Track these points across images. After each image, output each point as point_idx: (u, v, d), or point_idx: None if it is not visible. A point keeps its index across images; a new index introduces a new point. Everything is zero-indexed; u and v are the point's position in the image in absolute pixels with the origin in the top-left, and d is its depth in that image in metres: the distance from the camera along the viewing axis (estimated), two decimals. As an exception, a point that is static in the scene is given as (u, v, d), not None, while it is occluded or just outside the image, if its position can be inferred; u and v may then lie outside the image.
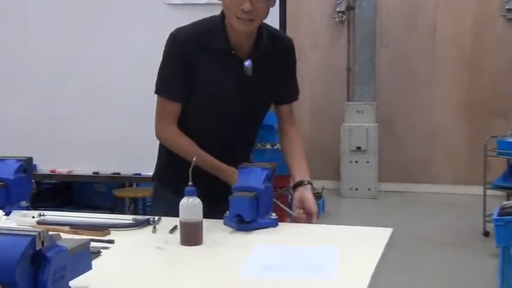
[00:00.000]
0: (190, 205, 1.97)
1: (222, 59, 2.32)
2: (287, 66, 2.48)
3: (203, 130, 2.38)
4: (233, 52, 2.32)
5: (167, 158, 2.48)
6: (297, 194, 2.35)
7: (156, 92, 2.38)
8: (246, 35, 2.31)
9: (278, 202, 2.38)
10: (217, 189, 2.27)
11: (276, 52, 2.40)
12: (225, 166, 2.34)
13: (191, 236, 1.97)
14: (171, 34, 2.34)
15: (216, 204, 2.17)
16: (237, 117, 2.38)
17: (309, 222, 2.29)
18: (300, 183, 2.36)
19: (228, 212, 2.15)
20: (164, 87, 2.36)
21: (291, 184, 2.40)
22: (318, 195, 6.73)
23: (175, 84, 2.34)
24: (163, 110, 2.37)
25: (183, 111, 2.37)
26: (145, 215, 2.65)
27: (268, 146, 6.24)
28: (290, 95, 2.53)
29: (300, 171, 2.43)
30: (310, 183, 2.37)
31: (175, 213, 2.01)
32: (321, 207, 6.68)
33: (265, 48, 2.36)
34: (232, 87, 2.34)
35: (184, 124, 2.37)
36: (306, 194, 2.34)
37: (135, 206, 5.64)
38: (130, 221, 2.19)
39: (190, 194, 1.97)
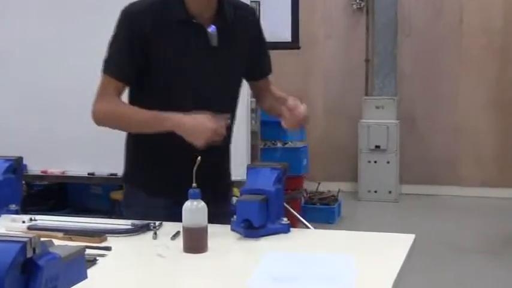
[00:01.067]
0: (195, 209, 1.97)
1: (183, 30, 2.33)
2: (254, 36, 2.52)
3: (174, 112, 2.32)
4: (194, 21, 2.33)
5: (136, 153, 2.48)
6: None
7: (102, 70, 2.38)
8: (205, 2, 2.34)
9: (289, 207, 2.38)
10: (213, 189, 2.27)
11: (240, 21, 2.44)
12: (171, 114, 2.27)
13: (195, 242, 1.97)
14: (123, 9, 2.36)
15: (212, 206, 2.18)
16: (208, 94, 2.38)
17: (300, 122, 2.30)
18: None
19: (235, 217, 2.15)
20: (111, 65, 2.37)
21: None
22: (333, 198, 6.73)
23: (122, 63, 2.35)
24: (106, 89, 2.36)
25: (150, 94, 2.36)
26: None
27: (279, 144, 6.25)
28: (264, 68, 2.59)
29: (281, 101, 2.43)
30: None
31: (152, 218, 2.02)
32: (337, 212, 6.68)
33: (228, 15, 2.38)
34: (199, 59, 2.35)
35: (153, 108, 2.33)
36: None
37: (134, 210, 5.64)
38: (129, 226, 2.19)
39: (195, 197, 1.97)
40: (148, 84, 2.36)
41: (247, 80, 2.60)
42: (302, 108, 2.31)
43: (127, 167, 2.55)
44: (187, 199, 1.99)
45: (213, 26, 2.34)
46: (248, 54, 2.49)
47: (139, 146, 2.46)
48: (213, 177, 2.35)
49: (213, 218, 2.07)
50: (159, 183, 1.98)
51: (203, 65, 2.36)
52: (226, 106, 2.47)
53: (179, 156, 2.34)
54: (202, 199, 2.00)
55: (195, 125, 2.24)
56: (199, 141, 2.23)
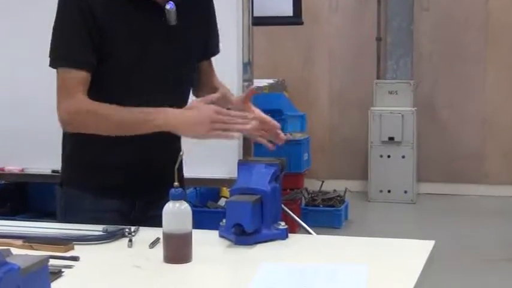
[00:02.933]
0: (177, 211, 1.96)
1: (138, 9, 2.34)
2: (209, 14, 2.57)
3: (128, 99, 2.32)
4: None
5: (77, 151, 2.47)
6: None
7: (52, 65, 2.35)
8: None
9: (287, 209, 2.38)
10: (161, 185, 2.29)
11: None
12: (159, 108, 2.27)
13: (178, 251, 1.97)
14: None
15: (153, 207, 2.20)
16: (168, 76, 2.41)
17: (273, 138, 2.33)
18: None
19: (224, 221, 2.15)
20: (66, 54, 2.33)
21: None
22: (339, 199, 6.73)
23: (80, 47, 2.31)
24: (69, 85, 2.31)
25: (100, 82, 2.34)
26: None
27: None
28: (213, 49, 2.63)
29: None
30: None
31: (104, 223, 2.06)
32: (343, 215, 6.68)
33: None
34: (157, 40, 2.38)
35: (103, 97, 2.31)
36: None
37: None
38: (100, 233, 2.19)
39: (177, 198, 1.97)
40: (98, 74, 2.34)
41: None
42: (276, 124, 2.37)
43: (65, 168, 2.54)
44: (140, 200, 2.01)
45: (171, 3, 2.35)
46: (204, 32, 2.53)
47: (81, 141, 2.43)
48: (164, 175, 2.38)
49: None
50: (111, 179, 1.98)
51: (162, 47, 2.38)
52: (185, 86, 2.52)
53: (127, 151, 2.37)
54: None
55: (193, 117, 2.24)
56: (203, 130, 2.23)
